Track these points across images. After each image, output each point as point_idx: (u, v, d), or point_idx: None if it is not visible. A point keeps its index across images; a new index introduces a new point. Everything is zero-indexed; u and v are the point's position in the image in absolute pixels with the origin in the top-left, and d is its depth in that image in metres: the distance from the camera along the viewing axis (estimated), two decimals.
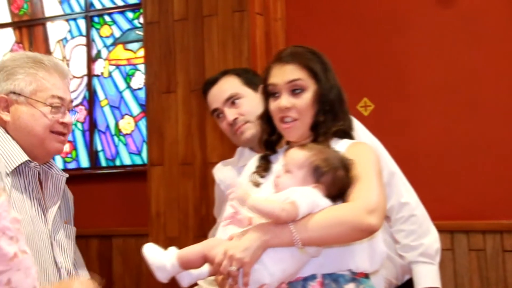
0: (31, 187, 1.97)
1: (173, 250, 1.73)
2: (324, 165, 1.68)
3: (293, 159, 1.72)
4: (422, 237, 2.24)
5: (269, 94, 1.92)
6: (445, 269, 3.37)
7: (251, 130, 2.33)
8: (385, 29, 3.83)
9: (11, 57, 2.05)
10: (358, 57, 3.88)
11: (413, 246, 2.24)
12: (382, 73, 3.84)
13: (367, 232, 1.66)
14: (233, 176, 2.44)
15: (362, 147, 1.86)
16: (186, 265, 1.70)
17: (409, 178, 2.33)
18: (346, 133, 1.90)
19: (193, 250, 1.71)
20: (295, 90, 1.86)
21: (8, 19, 5.42)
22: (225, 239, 1.72)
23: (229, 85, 2.41)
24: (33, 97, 1.97)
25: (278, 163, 1.90)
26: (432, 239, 2.25)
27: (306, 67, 1.87)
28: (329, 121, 1.87)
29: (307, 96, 1.86)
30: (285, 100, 1.86)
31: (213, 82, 2.46)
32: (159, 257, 1.70)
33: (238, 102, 2.38)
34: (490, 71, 3.59)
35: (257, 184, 1.89)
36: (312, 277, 1.67)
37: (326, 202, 1.66)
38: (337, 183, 1.69)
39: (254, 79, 2.43)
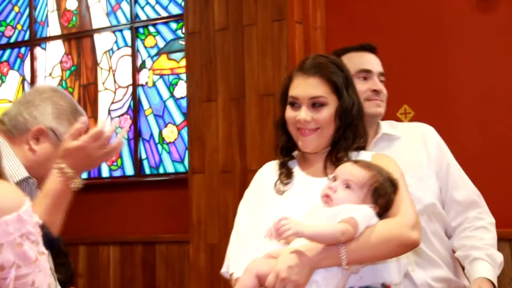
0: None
1: None
2: (382, 188, 1.72)
3: (356, 177, 1.73)
4: (492, 246, 2.30)
5: (287, 102, 1.92)
6: None
7: (383, 107, 2.37)
8: (425, 36, 3.81)
9: (59, 96, 2.14)
10: (398, 64, 3.86)
11: (480, 247, 2.27)
12: (422, 80, 3.81)
13: (412, 246, 1.73)
14: None
15: (387, 160, 1.88)
16: None
17: None
18: (362, 148, 1.94)
19: (243, 281, 1.69)
20: (316, 104, 1.87)
21: (58, 31, 5.60)
22: (264, 256, 1.72)
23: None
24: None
25: (297, 169, 1.93)
26: (499, 254, 2.30)
27: (329, 82, 1.87)
28: (350, 137, 1.89)
29: (327, 111, 1.87)
30: (304, 113, 1.86)
31: (373, 49, 2.45)
32: None
33: (383, 82, 2.40)
34: None
35: (281, 192, 1.89)
36: None
37: (376, 220, 1.70)
38: (389, 205, 1.73)
39: None
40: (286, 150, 1.97)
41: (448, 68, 3.74)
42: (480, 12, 3.61)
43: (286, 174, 1.91)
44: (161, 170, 5.02)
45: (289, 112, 1.91)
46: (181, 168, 4.92)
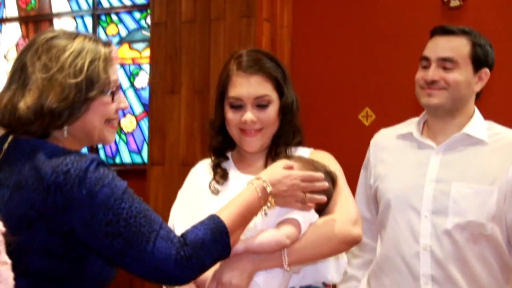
0: None
1: None
2: None
3: None
4: None
5: (225, 102, 1.85)
6: None
7: (442, 98, 2.14)
8: (390, 39, 3.87)
9: None
10: (361, 66, 3.92)
11: None
12: (385, 83, 3.87)
13: (353, 243, 1.70)
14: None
15: (325, 156, 1.86)
16: None
17: None
18: (301, 144, 1.91)
19: None
20: (261, 104, 1.82)
21: (15, 13, 5.45)
22: None
23: (461, 47, 2.16)
24: None
25: (233, 170, 1.87)
26: None
27: (271, 79, 1.82)
28: (290, 133, 1.87)
29: (272, 110, 1.82)
30: (250, 114, 1.80)
31: (449, 32, 2.19)
32: None
33: (451, 69, 2.14)
34: (494, 86, 3.63)
35: (216, 192, 1.84)
36: None
37: (316, 217, 1.67)
38: (327, 196, 1.69)
39: (488, 57, 2.21)
40: (219, 151, 1.91)
41: (412, 73, 3.80)
42: (445, 20, 3.69)
43: (221, 175, 1.86)
44: (117, 160, 4.95)
45: (231, 114, 1.83)
46: (138, 159, 4.87)
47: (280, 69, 1.85)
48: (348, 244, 1.68)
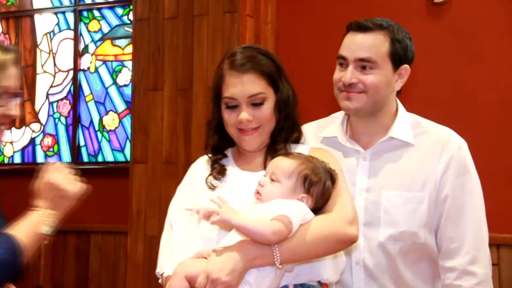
0: None
1: None
2: (314, 175, 1.66)
3: (280, 168, 1.67)
4: None
5: (221, 102, 1.84)
6: None
7: (361, 101, 1.99)
8: None
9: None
10: None
11: None
12: None
13: (349, 243, 1.68)
14: None
15: (325, 154, 1.84)
16: None
17: None
18: (299, 139, 1.89)
19: (173, 284, 1.61)
20: (255, 102, 1.80)
21: None
22: (194, 257, 1.65)
23: (379, 45, 1.99)
24: None
25: (231, 166, 1.87)
26: None
27: (265, 76, 1.80)
28: (288, 129, 1.85)
29: (267, 107, 1.81)
30: (245, 113, 1.79)
31: (365, 28, 2.01)
32: None
33: (370, 69, 1.98)
34: (481, 82, 3.61)
35: (212, 188, 1.83)
36: (284, 287, 1.65)
37: (311, 216, 1.64)
38: (326, 194, 1.67)
39: (407, 52, 2.05)
40: (217, 149, 1.91)
41: None
42: (429, 16, 3.67)
43: (218, 170, 1.86)
44: (99, 159, 4.89)
45: (227, 115, 1.82)
46: (121, 158, 4.81)
47: (274, 64, 1.83)
48: (344, 243, 1.66)
